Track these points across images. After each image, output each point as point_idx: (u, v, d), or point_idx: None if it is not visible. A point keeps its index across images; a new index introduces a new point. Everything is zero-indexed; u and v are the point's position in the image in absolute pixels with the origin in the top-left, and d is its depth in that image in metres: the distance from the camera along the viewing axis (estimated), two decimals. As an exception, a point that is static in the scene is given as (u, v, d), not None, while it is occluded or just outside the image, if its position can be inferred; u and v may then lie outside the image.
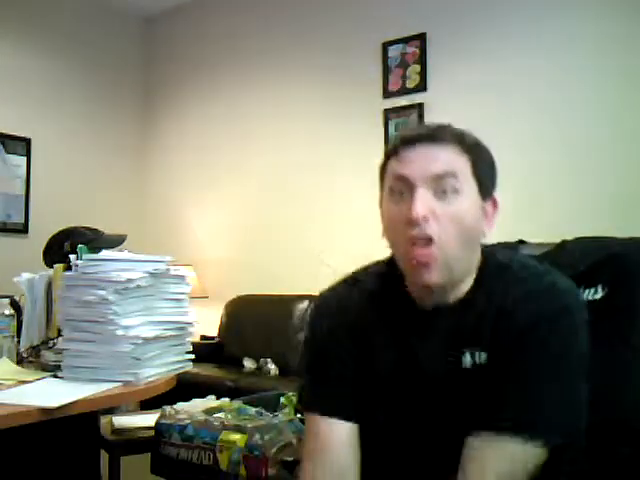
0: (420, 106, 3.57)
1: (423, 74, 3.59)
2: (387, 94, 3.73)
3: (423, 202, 0.93)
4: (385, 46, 3.74)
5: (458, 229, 0.94)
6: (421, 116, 3.56)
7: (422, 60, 3.60)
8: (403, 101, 3.66)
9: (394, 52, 3.71)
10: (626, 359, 1.16)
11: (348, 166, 3.83)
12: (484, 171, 0.99)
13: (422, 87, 3.59)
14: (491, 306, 0.98)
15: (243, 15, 4.53)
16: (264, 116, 4.33)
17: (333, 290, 1.12)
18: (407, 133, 1.00)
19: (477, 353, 0.98)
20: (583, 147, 3.05)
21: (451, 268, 0.95)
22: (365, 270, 1.13)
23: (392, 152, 1.00)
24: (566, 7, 3.15)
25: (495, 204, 1.02)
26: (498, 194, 1.03)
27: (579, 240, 1.28)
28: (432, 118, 3.52)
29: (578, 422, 0.94)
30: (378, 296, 1.06)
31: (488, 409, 0.94)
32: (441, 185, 0.94)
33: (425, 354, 1.01)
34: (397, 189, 0.98)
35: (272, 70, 4.32)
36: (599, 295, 1.16)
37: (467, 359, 0.99)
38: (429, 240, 0.93)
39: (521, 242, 1.35)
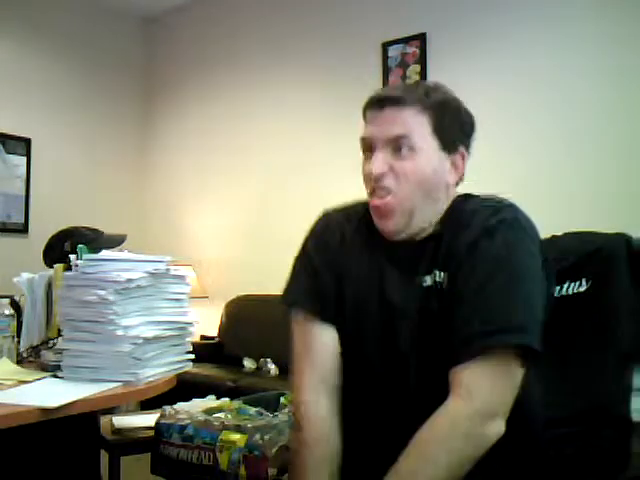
0: (420, 106, 3.57)
1: (423, 74, 3.59)
2: (387, 94, 3.73)
3: (380, 160, 1.06)
4: (385, 46, 3.74)
5: (414, 181, 1.05)
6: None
7: (422, 60, 3.60)
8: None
9: (394, 52, 3.71)
10: (609, 349, 1.21)
11: (348, 166, 3.83)
12: (448, 127, 1.07)
13: (422, 87, 3.59)
14: (447, 233, 1.06)
15: (243, 15, 4.53)
16: (264, 116, 4.33)
17: (328, 214, 1.25)
18: (375, 95, 1.12)
19: (437, 272, 1.05)
20: (583, 147, 3.05)
21: (409, 216, 1.06)
22: (360, 203, 1.21)
23: (363, 114, 1.15)
24: (566, 7, 3.15)
25: (464, 156, 1.11)
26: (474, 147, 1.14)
27: (566, 235, 1.32)
28: (432, 118, 3.52)
29: (533, 320, 0.97)
30: (359, 225, 1.17)
31: (454, 326, 0.99)
32: (397, 144, 1.06)
33: (390, 280, 1.09)
34: (365, 149, 1.13)
35: (272, 70, 4.32)
36: (583, 288, 1.22)
37: (427, 279, 1.06)
38: (387, 192, 1.06)
39: None
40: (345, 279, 1.13)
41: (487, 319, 0.96)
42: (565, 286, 1.23)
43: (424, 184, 1.06)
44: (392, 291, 1.08)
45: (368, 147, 1.11)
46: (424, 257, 1.07)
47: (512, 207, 1.07)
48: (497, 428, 0.93)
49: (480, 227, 1.02)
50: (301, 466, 1.05)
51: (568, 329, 1.22)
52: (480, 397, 0.93)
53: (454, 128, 1.09)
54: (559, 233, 1.38)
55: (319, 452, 1.04)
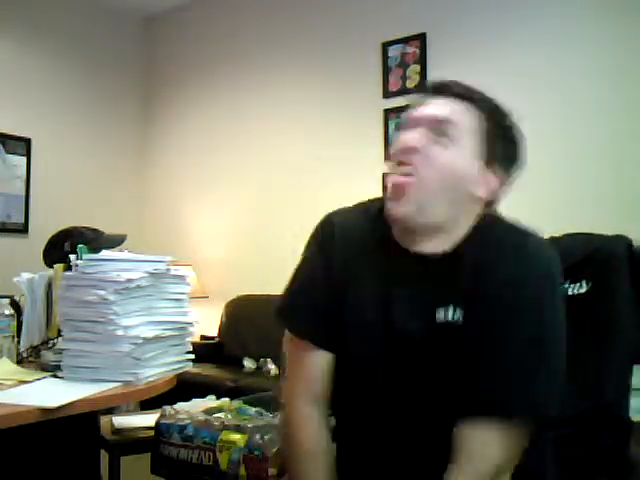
0: (420, 106, 3.57)
1: (423, 74, 3.59)
2: (387, 94, 3.73)
3: (417, 136, 0.98)
4: (385, 46, 3.74)
5: (441, 171, 0.97)
6: (421, 116, 3.56)
7: (422, 60, 3.60)
8: (403, 101, 3.66)
9: (394, 52, 3.71)
10: (609, 350, 1.21)
11: (348, 166, 3.83)
12: (493, 143, 1.01)
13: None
14: (470, 263, 0.98)
15: (243, 15, 4.53)
16: (264, 116, 4.33)
17: (333, 217, 1.13)
18: (438, 81, 1.06)
19: (453, 307, 0.98)
20: (583, 147, 3.05)
21: (422, 208, 0.97)
22: (371, 204, 1.14)
23: (420, 99, 1.05)
24: (566, 7, 3.15)
25: (501, 181, 1.03)
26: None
27: (566, 237, 1.32)
28: (432, 118, 3.52)
29: (551, 394, 0.94)
30: (369, 232, 1.08)
31: (464, 382, 0.94)
32: (441, 129, 0.98)
33: (399, 304, 1.01)
34: (405, 127, 1.03)
35: (272, 70, 4.32)
36: (584, 289, 1.22)
37: (441, 313, 0.98)
38: (410, 172, 0.97)
39: None
40: (348, 296, 1.05)
41: (507, 389, 0.93)
42: (565, 287, 1.23)
43: (448, 179, 0.97)
44: (400, 317, 1.00)
45: (413, 124, 1.02)
46: (440, 281, 0.99)
47: (552, 257, 0.99)
48: None
49: (511, 273, 0.94)
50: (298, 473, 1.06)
51: (568, 330, 1.22)
52: (488, 459, 0.92)
53: (499, 147, 1.03)
54: (559, 234, 1.38)
55: (316, 465, 1.05)
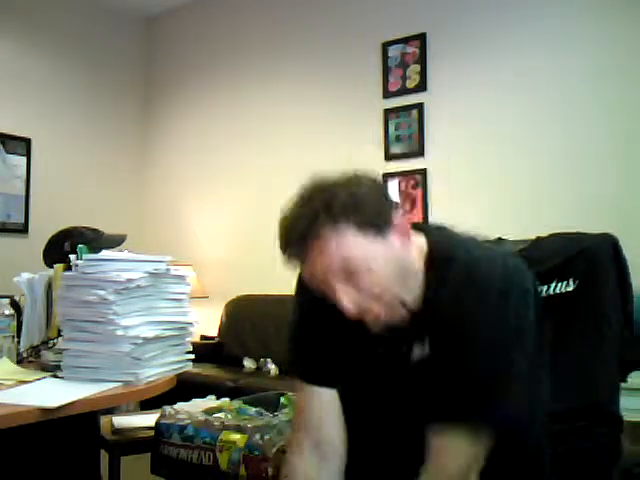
0: (420, 106, 3.57)
1: (423, 74, 3.59)
2: (387, 94, 3.73)
3: (347, 300, 0.97)
4: (385, 46, 3.75)
5: (386, 286, 0.98)
6: (421, 116, 3.56)
7: (422, 60, 3.60)
8: (403, 101, 3.66)
9: (394, 52, 3.71)
10: (598, 348, 1.23)
11: (348, 166, 3.82)
12: (369, 220, 0.97)
13: (422, 87, 3.59)
14: (434, 299, 1.02)
15: (243, 15, 4.53)
16: (264, 116, 4.33)
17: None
18: (285, 236, 1.01)
19: (422, 345, 1.04)
20: (583, 147, 3.05)
21: (397, 307, 1.00)
22: None
23: (287, 259, 1.01)
24: (566, 7, 3.15)
25: (399, 228, 1.00)
26: (403, 215, 1.04)
27: (553, 236, 1.34)
28: (432, 118, 3.52)
29: (510, 409, 0.98)
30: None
31: (435, 403, 0.99)
32: (347, 273, 0.96)
33: (384, 346, 1.07)
34: (315, 286, 1.01)
35: (272, 70, 4.32)
36: (571, 288, 1.24)
37: (415, 352, 1.04)
38: (373, 313, 0.98)
39: (500, 239, 1.40)
40: (339, 337, 1.10)
41: (468, 404, 0.97)
42: (552, 285, 1.25)
43: (394, 280, 0.98)
44: (384, 356, 1.07)
45: (317, 285, 1.01)
46: (415, 327, 1.04)
47: (492, 266, 1.01)
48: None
49: (462, 300, 0.99)
50: None
51: (556, 328, 1.24)
52: (454, 461, 0.97)
53: (374, 217, 0.98)
54: (558, 232, 1.38)
55: None
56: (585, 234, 1.31)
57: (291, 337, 1.18)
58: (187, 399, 2.26)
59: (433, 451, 0.99)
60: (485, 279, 1.00)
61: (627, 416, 1.22)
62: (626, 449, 1.22)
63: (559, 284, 1.24)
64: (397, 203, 1.08)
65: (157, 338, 1.53)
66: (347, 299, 0.97)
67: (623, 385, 1.25)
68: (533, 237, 1.38)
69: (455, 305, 1.00)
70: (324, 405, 1.10)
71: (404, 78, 3.67)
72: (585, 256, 1.25)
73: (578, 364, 1.21)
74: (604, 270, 1.23)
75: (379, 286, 0.97)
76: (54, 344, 1.71)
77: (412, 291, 1.02)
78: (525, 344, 0.99)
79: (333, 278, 0.97)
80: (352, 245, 0.95)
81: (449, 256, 1.03)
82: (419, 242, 1.06)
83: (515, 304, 0.99)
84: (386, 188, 1.09)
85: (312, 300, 1.06)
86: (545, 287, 1.25)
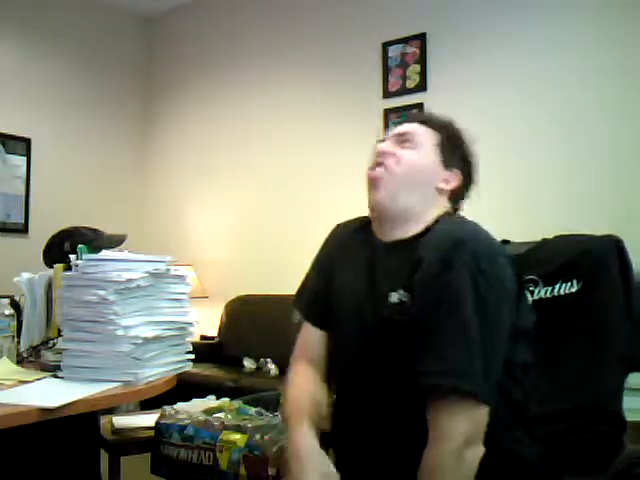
0: (420, 106, 3.57)
1: (423, 74, 3.60)
2: (387, 94, 3.73)
3: (385, 144, 1.25)
4: (385, 46, 3.75)
5: (407, 166, 1.20)
6: (421, 116, 3.56)
7: (422, 60, 3.60)
8: (403, 101, 3.66)
9: (394, 52, 3.71)
10: (601, 348, 1.25)
11: (348, 166, 3.83)
12: (452, 150, 1.24)
13: (422, 87, 3.59)
14: (417, 250, 1.10)
15: (243, 15, 4.53)
16: (264, 116, 4.34)
17: (339, 224, 1.38)
18: (409, 115, 1.34)
19: (401, 291, 1.11)
20: (583, 147, 3.05)
21: (393, 195, 1.18)
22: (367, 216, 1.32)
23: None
24: (566, 7, 3.15)
25: (459, 180, 1.23)
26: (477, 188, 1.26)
27: (557, 237, 1.36)
28: (432, 118, 3.52)
29: (472, 363, 1.00)
30: (356, 231, 1.30)
31: (414, 357, 1.04)
32: (400, 140, 1.24)
33: (365, 287, 1.18)
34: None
35: (272, 70, 4.32)
36: (574, 289, 1.27)
37: (394, 296, 1.11)
38: (383, 168, 1.20)
39: (506, 242, 1.41)
40: (333, 282, 1.27)
41: (441, 363, 1.01)
42: (557, 286, 1.27)
43: (413, 172, 1.20)
44: (364, 299, 1.18)
45: (384, 140, 1.28)
46: (399, 265, 1.13)
47: (475, 233, 1.10)
48: (478, 452, 1.00)
49: (441, 259, 1.05)
50: (286, 414, 1.23)
51: (561, 328, 1.25)
52: (455, 435, 0.99)
53: (454, 155, 1.24)
54: (559, 233, 1.39)
55: (298, 408, 1.19)
56: (590, 236, 1.32)
57: (308, 275, 1.34)
58: (187, 399, 2.26)
59: (430, 429, 1.01)
60: (460, 246, 1.05)
61: (627, 416, 1.22)
62: (626, 449, 1.22)
63: (564, 285, 1.25)
64: (465, 186, 1.25)
65: (157, 338, 1.53)
66: (388, 143, 1.24)
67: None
68: (533, 239, 1.39)
69: (428, 263, 1.06)
70: (318, 339, 1.28)
71: (404, 78, 3.67)
72: (589, 257, 1.27)
73: (582, 364, 1.22)
74: (608, 271, 1.24)
75: (406, 161, 1.20)
76: (54, 344, 1.71)
77: (409, 202, 1.18)
78: (505, 307, 1.04)
79: (393, 138, 1.25)
80: (423, 135, 1.23)
81: (450, 215, 1.20)
82: (446, 209, 1.21)
83: (502, 267, 1.05)
84: (473, 172, 1.28)
85: (328, 255, 1.31)
86: (550, 288, 1.26)
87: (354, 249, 1.27)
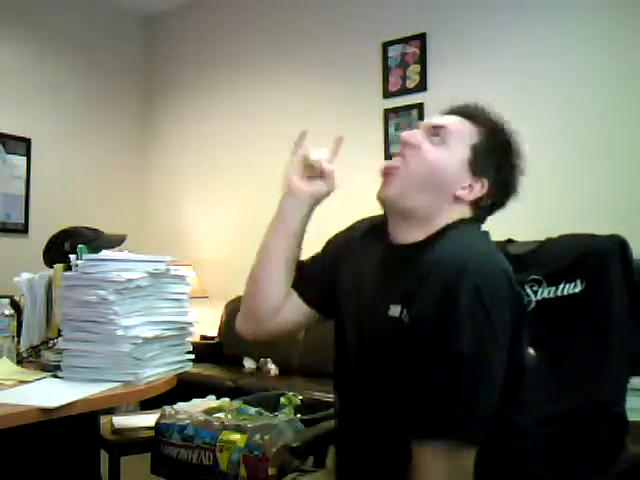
0: (420, 106, 3.57)
1: (423, 74, 3.60)
2: (387, 94, 3.73)
3: (414, 132, 1.14)
4: (385, 46, 3.75)
5: (426, 166, 1.09)
6: (421, 116, 3.56)
7: (422, 60, 3.60)
8: (403, 101, 3.66)
9: (394, 52, 3.71)
10: (605, 348, 1.24)
11: (348, 166, 3.82)
12: (490, 157, 1.11)
13: (422, 87, 3.59)
14: (422, 264, 1.01)
15: (243, 15, 4.53)
16: (264, 116, 4.33)
17: (361, 219, 1.32)
18: (454, 104, 1.19)
19: (400, 307, 1.03)
20: (583, 147, 3.05)
21: (404, 193, 1.09)
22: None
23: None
24: (566, 7, 3.15)
25: (487, 192, 1.10)
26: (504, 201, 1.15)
27: (561, 237, 1.36)
28: (432, 118, 3.52)
29: (472, 411, 0.93)
30: (373, 228, 1.24)
31: (408, 393, 0.97)
32: (432, 132, 1.12)
33: (368, 290, 1.13)
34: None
35: (272, 70, 4.32)
36: (578, 289, 1.25)
37: (394, 310, 1.04)
38: (401, 161, 1.12)
39: (510, 241, 1.41)
40: (340, 272, 1.22)
41: (425, 406, 0.94)
42: (561, 287, 1.26)
43: (432, 173, 1.09)
44: (366, 302, 1.13)
45: (416, 127, 1.19)
46: (399, 281, 1.06)
47: (480, 256, 1.00)
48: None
49: (444, 286, 0.95)
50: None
51: (565, 329, 1.24)
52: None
53: (491, 163, 1.11)
54: (559, 233, 1.39)
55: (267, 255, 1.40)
56: (593, 235, 1.31)
57: (314, 255, 1.32)
58: (187, 399, 2.27)
59: (414, 462, 0.94)
60: (463, 273, 0.96)
61: (629, 416, 1.22)
62: (628, 451, 1.22)
63: (567, 285, 1.25)
64: (493, 198, 1.13)
65: (157, 338, 1.53)
66: (416, 132, 1.13)
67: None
68: (533, 239, 1.39)
69: (425, 282, 0.98)
70: (297, 304, 1.26)
71: (404, 78, 3.67)
72: (593, 258, 1.26)
73: (585, 365, 1.21)
74: (612, 271, 1.24)
75: (428, 160, 1.10)
76: (54, 344, 1.71)
77: (419, 203, 1.09)
78: (503, 340, 0.96)
79: (426, 128, 1.14)
80: (458, 133, 1.11)
81: (460, 225, 1.10)
82: (463, 214, 1.11)
83: (504, 298, 0.97)
84: (516, 180, 1.15)
85: (336, 247, 1.28)
86: (553, 288, 1.26)
87: (366, 247, 1.21)
